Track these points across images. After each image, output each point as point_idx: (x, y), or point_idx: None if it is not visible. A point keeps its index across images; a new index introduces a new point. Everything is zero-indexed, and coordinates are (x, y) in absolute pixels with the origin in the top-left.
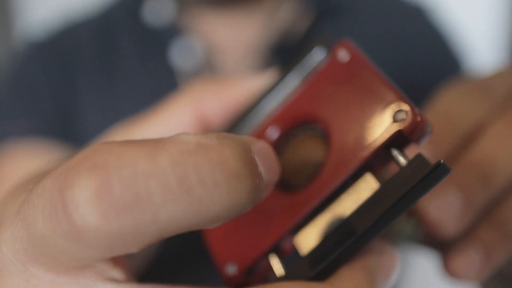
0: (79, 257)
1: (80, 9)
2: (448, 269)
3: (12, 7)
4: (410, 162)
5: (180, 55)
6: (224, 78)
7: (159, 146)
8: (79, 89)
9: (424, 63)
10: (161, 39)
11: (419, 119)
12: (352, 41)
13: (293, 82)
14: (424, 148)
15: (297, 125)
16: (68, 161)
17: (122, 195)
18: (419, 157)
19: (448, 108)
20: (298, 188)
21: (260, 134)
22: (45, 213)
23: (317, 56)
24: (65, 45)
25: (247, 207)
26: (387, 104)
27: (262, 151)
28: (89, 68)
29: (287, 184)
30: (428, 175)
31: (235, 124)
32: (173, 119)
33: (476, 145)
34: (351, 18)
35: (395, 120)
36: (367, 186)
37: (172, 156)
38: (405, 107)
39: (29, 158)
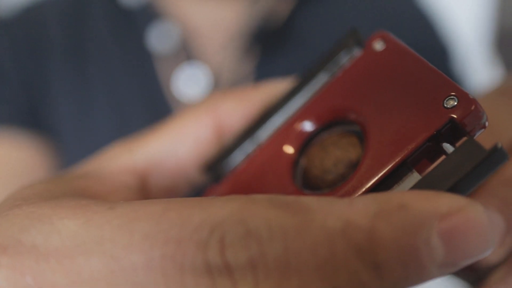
0: None
1: None
2: None
3: None
4: (459, 148)
5: (157, 38)
6: (244, 87)
7: (308, 219)
8: (49, 72)
9: (411, 47)
10: (137, 21)
11: (473, 105)
12: (350, 26)
13: (323, 81)
14: None
15: (330, 121)
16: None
17: (273, 264)
18: (470, 142)
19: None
20: (324, 190)
21: (288, 129)
22: None
23: (349, 53)
24: (33, 24)
25: None
26: (434, 90)
27: (455, 229)
28: (59, 49)
29: (314, 185)
30: (483, 162)
31: (261, 123)
32: (190, 128)
33: None
34: (335, 2)
35: (445, 107)
36: (412, 185)
37: (317, 237)
38: (457, 92)
39: None
